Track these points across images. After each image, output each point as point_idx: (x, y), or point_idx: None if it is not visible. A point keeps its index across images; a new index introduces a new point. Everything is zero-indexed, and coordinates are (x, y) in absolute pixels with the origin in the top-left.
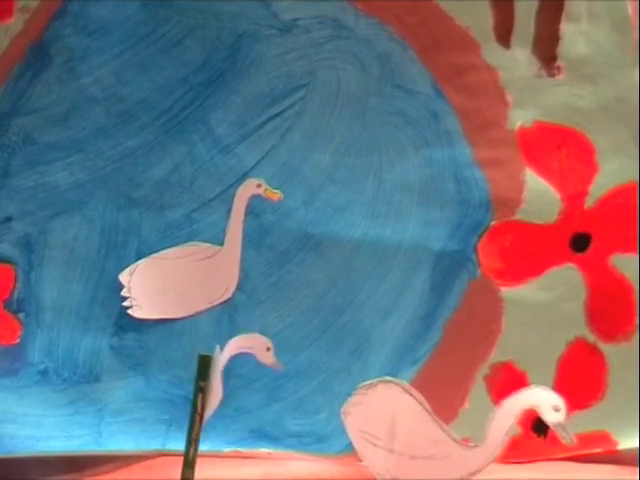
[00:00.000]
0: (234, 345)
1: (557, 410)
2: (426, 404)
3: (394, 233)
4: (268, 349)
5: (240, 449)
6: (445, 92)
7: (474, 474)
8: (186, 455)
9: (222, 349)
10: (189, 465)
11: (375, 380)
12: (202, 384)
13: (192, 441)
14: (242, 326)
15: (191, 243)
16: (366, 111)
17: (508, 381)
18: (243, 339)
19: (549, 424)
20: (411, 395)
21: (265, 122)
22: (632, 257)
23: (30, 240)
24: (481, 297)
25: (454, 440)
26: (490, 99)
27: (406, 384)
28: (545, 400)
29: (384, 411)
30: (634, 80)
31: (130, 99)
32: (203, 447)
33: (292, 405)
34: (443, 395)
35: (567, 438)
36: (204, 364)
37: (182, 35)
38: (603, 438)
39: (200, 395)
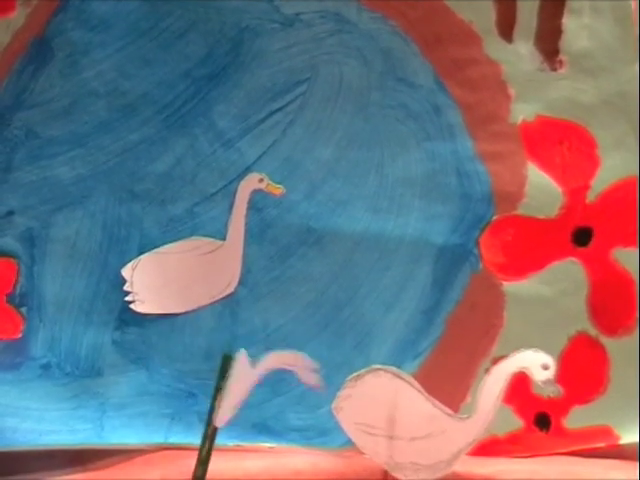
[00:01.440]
0: (275, 360)
1: (546, 368)
2: (417, 384)
3: (396, 227)
4: (314, 370)
5: (242, 443)
6: (447, 86)
7: (471, 444)
8: (200, 452)
9: (254, 360)
10: (203, 463)
11: (362, 371)
12: (222, 384)
13: (207, 438)
14: (244, 321)
15: (193, 237)
16: (368, 105)
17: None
18: (287, 357)
19: (538, 382)
20: (402, 379)
21: (267, 116)
22: (634, 251)
23: (32, 234)
24: (483, 291)
25: (447, 415)
26: (492, 93)
27: (395, 369)
28: (534, 360)
29: (377, 399)
30: (636, 75)
31: (132, 93)
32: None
33: (294, 399)
34: (445, 389)
35: (555, 392)
36: (225, 364)
37: (184, 29)
38: (605, 432)
39: (219, 394)
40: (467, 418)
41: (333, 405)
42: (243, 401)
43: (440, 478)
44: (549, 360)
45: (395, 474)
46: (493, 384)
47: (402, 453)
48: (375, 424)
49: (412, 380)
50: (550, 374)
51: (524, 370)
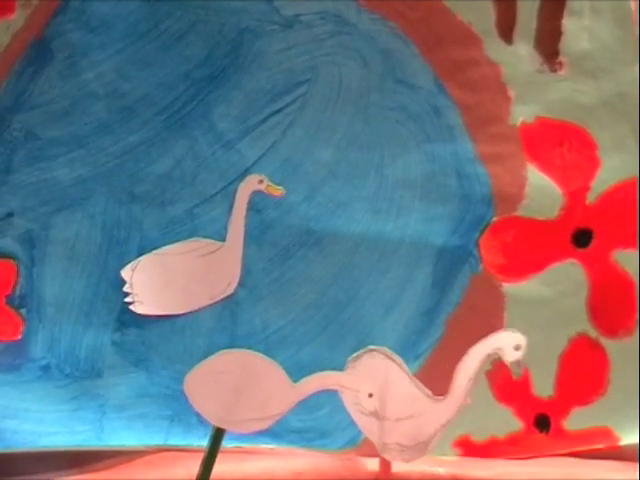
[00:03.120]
0: (333, 380)
1: (518, 349)
2: (404, 366)
3: (396, 228)
4: (370, 395)
5: (242, 445)
6: (447, 87)
7: (445, 425)
8: (205, 456)
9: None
10: (207, 466)
11: (360, 351)
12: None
13: (215, 441)
14: (243, 322)
15: (193, 239)
16: (368, 106)
17: (510, 376)
18: (348, 379)
19: (507, 363)
20: (392, 360)
21: (267, 118)
22: (634, 253)
23: (32, 236)
24: (483, 293)
25: (427, 396)
26: (492, 94)
27: (387, 350)
28: (507, 341)
29: (372, 380)
30: (636, 76)
31: (132, 95)
32: (204, 442)
33: None
34: (445, 390)
35: (517, 373)
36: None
37: (184, 31)
38: (605, 434)
39: None
40: (442, 399)
41: None
42: (274, 417)
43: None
44: (522, 341)
45: (384, 454)
46: (468, 365)
47: (389, 434)
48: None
49: (400, 361)
50: (519, 355)
51: (498, 351)
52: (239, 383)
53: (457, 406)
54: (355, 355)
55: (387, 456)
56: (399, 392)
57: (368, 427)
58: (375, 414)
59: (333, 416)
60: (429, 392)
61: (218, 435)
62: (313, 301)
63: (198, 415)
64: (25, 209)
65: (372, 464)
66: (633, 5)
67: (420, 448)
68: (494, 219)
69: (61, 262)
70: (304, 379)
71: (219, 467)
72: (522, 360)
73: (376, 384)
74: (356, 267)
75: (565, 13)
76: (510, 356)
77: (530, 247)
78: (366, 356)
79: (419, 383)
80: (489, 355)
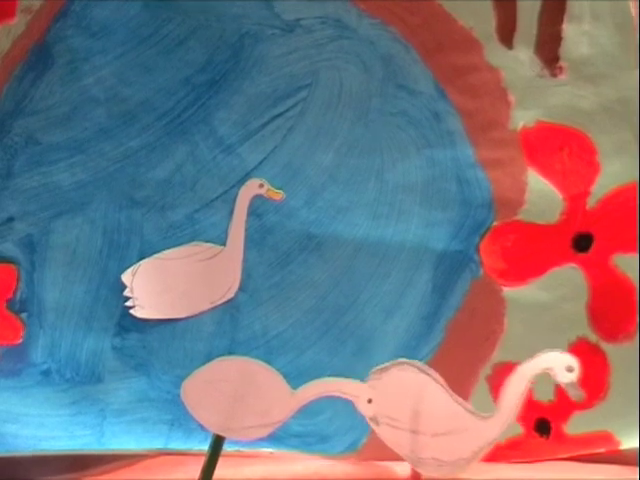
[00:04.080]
0: (332, 387)
1: (570, 370)
2: (441, 380)
3: (396, 233)
4: (369, 401)
5: (242, 449)
6: (447, 92)
7: (492, 443)
8: (206, 461)
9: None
10: (208, 472)
11: (388, 363)
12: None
13: (215, 447)
14: (244, 326)
15: (193, 243)
16: (368, 111)
17: None
18: (347, 386)
19: (561, 384)
20: (428, 374)
21: (267, 122)
22: (634, 257)
23: (32, 240)
24: (483, 297)
25: (470, 412)
26: (492, 99)
27: (420, 363)
28: (558, 362)
29: (403, 393)
30: (636, 81)
31: (132, 100)
32: (205, 447)
33: None
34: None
35: (577, 395)
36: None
37: (184, 36)
38: (606, 438)
39: None
40: (489, 417)
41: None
42: (275, 424)
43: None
44: (574, 362)
45: (417, 469)
46: (516, 384)
47: (424, 448)
48: (399, 417)
49: (437, 375)
50: (574, 377)
51: (548, 371)
52: (238, 391)
53: (505, 425)
54: (381, 367)
55: (422, 470)
56: (436, 407)
57: (394, 440)
58: (375, 420)
59: (333, 421)
60: (471, 408)
61: (218, 441)
62: (313, 306)
63: None
64: (26, 214)
65: (371, 469)
66: (633, 10)
67: (460, 465)
68: (494, 224)
69: (61, 267)
70: (303, 386)
71: (219, 471)
72: (576, 382)
73: (409, 397)
74: (356, 272)
75: (565, 18)
76: (563, 377)
77: (530, 252)
78: (395, 368)
79: (459, 398)
80: (537, 375)
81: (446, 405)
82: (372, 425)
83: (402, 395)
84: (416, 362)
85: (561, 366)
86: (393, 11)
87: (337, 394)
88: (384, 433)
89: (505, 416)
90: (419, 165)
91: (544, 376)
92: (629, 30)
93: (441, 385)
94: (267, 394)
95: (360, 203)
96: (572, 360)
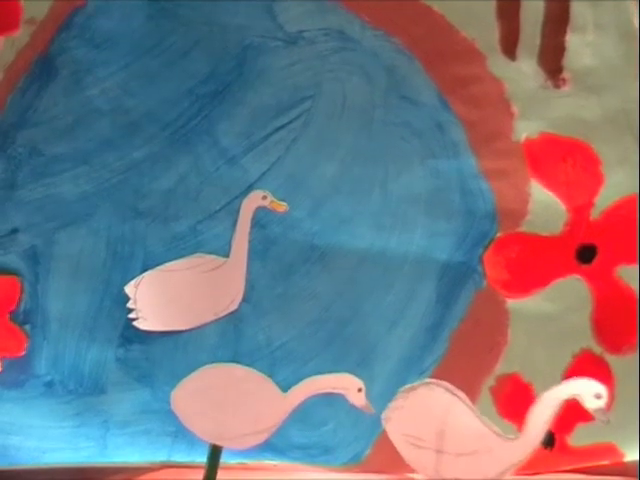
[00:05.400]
0: (320, 384)
1: (599, 397)
2: (468, 401)
3: (400, 244)
4: (360, 390)
5: (246, 461)
6: (451, 103)
7: (517, 465)
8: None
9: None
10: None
11: (416, 383)
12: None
13: (213, 457)
14: (247, 337)
15: (197, 255)
16: (372, 122)
17: (514, 393)
18: (334, 379)
19: (590, 410)
20: (454, 395)
21: (271, 134)
22: (638, 269)
23: (36, 252)
24: (487, 308)
25: (496, 434)
26: (496, 110)
27: (448, 384)
28: (587, 389)
29: (428, 413)
30: (636, 92)
31: (136, 111)
32: None
33: (298, 416)
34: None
35: (605, 421)
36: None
37: (188, 47)
38: (609, 450)
39: None
40: (515, 439)
41: (382, 415)
42: (269, 429)
43: None
44: (602, 390)
45: None
46: (544, 409)
47: (448, 468)
48: (424, 437)
49: (464, 396)
50: (602, 403)
51: (576, 397)
52: (227, 398)
53: (531, 448)
54: (409, 386)
55: None
56: (462, 427)
57: (418, 460)
58: (367, 408)
59: (337, 432)
60: (497, 429)
61: (216, 451)
62: (317, 316)
63: None
64: (29, 225)
65: None
66: (636, 21)
67: None
68: (498, 235)
69: (65, 278)
70: (293, 388)
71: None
72: (604, 408)
73: (435, 417)
74: (360, 282)
75: (569, 29)
76: (591, 403)
77: (534, 263)
78: (423, 388)
79: (486, 419)
80: (565, 401)
81: (472, 425)
82: (365, 412)
83: (428, 415)
84: (444, 382)
85: (589, 393)
86: (396, 22)
87: (327, 390)
88: (407, 452)
89: (531, 439)
90: (423, 176)
91: (547, 387)
92: (632, 41)
93: (468, 406)
94: (257, 399)
95: (364, 214)
96: (600, 387)
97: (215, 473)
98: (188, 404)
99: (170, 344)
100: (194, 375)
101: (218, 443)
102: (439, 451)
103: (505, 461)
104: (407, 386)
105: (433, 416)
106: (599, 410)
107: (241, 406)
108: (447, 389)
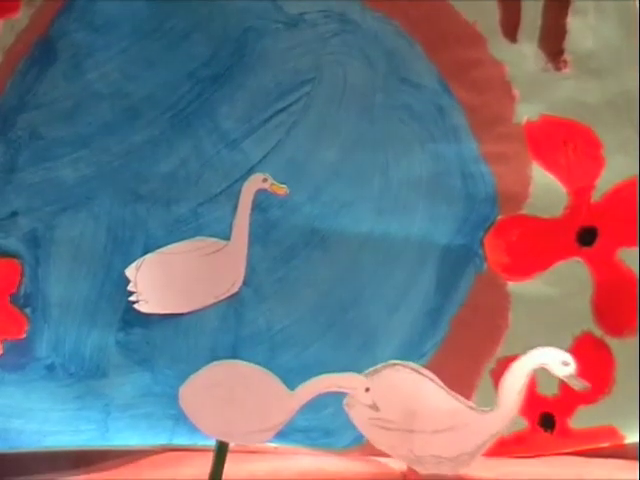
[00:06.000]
0: (328, 383)
1: (567, 364)
2: (438, 380)
3: (401, 228)
4: (367, 390)
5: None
6: (451, 87)
7: (496, 436)
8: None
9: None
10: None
11: (378, 366)
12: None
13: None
14: (248, 321)
15: (197, 238)
16: (372, 106)
17: None
18: (342, 379)
19: (561, 377)
20: (421, 374)
21: (271, 117)
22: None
23: (36, 235)
24: (488, 292)
25: (470, 408)
26: (497, 94)
27: (413, 364)
28: (553, 357)
29: (395, 394)
30: (637, 76)
31: (136, 94)
32: (209, 442)
33: None
34: (450, 390)
35: (579, 385)
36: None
37: (188, 30)
38: (610, 432)
39: None
40: (490, 411)
41: (345, 401)
42: (276, 427)
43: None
44: (568, 357)
45: (415, 467)
46: (514, 380)
47: (423, 446)
48: (392, 418)
49: (432, 375)
50: (572, 369)
51: (544, 366)
52: (234, 395)
53: (507, 419)
54: (372, 369)
55: (421, 469)
56: (434, 405)
57: (387, 442)
58: (374, 407)
59: (338, 415)
60: (470, 403)
61: (222, 448)
62: (318, 301)
63: None
64: (30, 209)
65: (376, 463)
66: (637, 4)
67: (463, 459)
68: (499, 218)
69: (66, 262)
70: (300, 386)
71: (224, 467)
72: (575, 374)
73: (403, 397)
74: (361, 267)
75: (570, 12)
76: (560, 371)
77: (535, 246)
78: (388, 370)
79: (458, 395)
80: (534, 370)
81: (444, 402)
82: (373, 411)
83: (395, 396)
84: (409, 363)
85: (556, 361)
86: (397, 5)
87: (335, 389)
88: (375, 435)
89: (506, 410)
90: (423, 160)
91: (548, 371)
92: (633, 24)
93: (437, 384)
94: (264, 397)
95: (364, 198)
96: (566, 355)
97: (222, 470)
98: (195, 401)
99: (171, 328)
100: (201, 372)
101: (225, 440)
102: (410, 431)
103: (483, 433)
104: (370, 369)
105: (401, 397)
106: (570, 377)
107: (248, 404)
108: (413, 369)
